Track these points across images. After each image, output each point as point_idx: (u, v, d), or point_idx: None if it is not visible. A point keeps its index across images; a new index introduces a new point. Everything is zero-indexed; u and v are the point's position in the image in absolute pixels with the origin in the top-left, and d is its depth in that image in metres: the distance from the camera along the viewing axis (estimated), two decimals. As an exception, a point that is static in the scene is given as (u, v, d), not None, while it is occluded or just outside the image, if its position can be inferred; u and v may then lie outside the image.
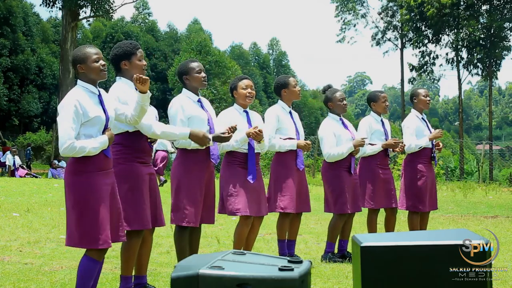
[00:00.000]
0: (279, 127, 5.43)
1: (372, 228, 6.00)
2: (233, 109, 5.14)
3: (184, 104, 4.55)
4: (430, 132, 6.09)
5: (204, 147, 4.47)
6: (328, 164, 5.72)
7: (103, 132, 3.62)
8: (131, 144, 4.02)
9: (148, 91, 3.82)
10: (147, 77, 3.78)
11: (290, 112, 5.54)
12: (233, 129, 4.61)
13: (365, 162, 5.99)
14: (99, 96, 3.66)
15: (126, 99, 3.96)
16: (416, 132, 6.03)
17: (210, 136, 4.41)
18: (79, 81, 3.66)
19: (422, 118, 6.15)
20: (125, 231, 3.80)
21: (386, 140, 5.98)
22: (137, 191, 3.97)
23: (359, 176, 6.00)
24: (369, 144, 5.96)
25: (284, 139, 5.42)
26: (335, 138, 5.66)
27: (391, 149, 5.97)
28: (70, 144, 3.44)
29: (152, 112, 4.19)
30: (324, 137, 5.68)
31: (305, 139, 5.56)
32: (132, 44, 4.13)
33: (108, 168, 3.65)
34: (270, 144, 5.35)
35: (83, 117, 3.52)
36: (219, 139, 4.52)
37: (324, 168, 5.78)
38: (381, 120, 6.07)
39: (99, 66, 3.63)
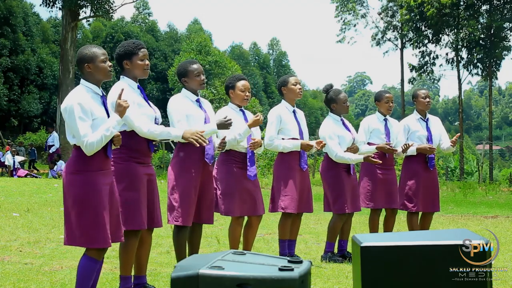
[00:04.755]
0: (282, 127, 5.41)
1: (373, 228, 6.00)
2: (228, 108, 5.13)
3: (181, 102, 4.57)
4: (428, 133, 6.08)
5: (199, 145, 4.31)
6: (327, 164, 5.71)
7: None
8: (128, 144, 4.00)
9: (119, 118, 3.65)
10: (125, 105, 3.65)
11: (294, 112, 5.54)
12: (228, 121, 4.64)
13: (365, 162, 5.98)
14: (102, 96, 3.66)
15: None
16: (410, 134, 6.04)
17: (204, 132, 4.35)
18: (82, 81, 3.65)
19: (421, 118, 6.14)
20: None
21: (387, 139, 5.97)
22: (133, 191, 3.96)
23: (359, 175, 6.01)
24: (368, 143, 5.96)
25: (287, 139, 5.41)
26: (338, 138, 5.66)
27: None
28: (86, 142, 3.45)
29: (149, 113, 4.14)
30: (328, 137, 5.67)
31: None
32: (136, 43, 4.14)
33: (107, 168, 3.65)
34: (273, 145, 5.34)
35: (90, 116, 3.51)
36: (223, 126, 4.52)
37: (323, 168, 5.77)
38: (385, 120, 6.06)
39: (107, 67, 3.64)
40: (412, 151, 5.96)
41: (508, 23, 29.31)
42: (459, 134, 6.32)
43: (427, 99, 6.10)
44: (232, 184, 4.90)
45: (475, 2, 28.91)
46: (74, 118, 3.47)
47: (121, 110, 3.61)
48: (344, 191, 5.60)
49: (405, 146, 5.78)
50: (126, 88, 4.02)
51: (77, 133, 3.46)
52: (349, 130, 5.77)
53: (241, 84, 5.09)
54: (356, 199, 5.76)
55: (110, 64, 3.67)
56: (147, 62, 4.13)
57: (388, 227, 6.08)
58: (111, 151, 3.67)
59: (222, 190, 4.91)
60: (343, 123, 5.79)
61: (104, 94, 3.70)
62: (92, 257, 3.55)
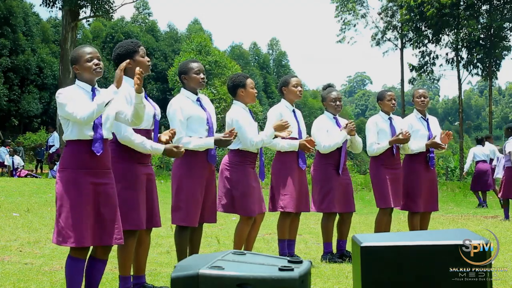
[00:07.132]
0: None
1: (380, 228, 5.95)
2: (239, 107, 5.06)
3: (182, 104, 4.53)
4: (429, 132, 6.08)
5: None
6: (317, 164, 5.71)
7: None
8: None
9: (142, 93, 3.75)
10: (141, 76, 3.71)
11: (293, 111, 5.54)
12: (234, 133, 4.63)
13: (373, 162, 5.97)
14: (93, 94, 3.66)
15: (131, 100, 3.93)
16: (413, 133, 6.03)
17: (200, 144, 4.44)
18: (76, 81, 3.70)
19: (421, 117, 6.15)
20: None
21: None
22: (132, 191, 3.96)
23: (371, 176, 5.99)
24: (377, 143, 5.91)
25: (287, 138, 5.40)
26: (327, 134, 5.65)
27: (400, 145, 5.91)
28: (77, 113, 3.46)
29: (147, 110, 4.11)
30: (316, 131, 5.68)
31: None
32: (133, 42, 4.15)
33: (95, 168, 3.58)
34: (271, 143, 5.34)
35: (76, 99, 3.53)
36: (221, 142, 4.53)
37: (313, 167, 5.78)
38: (389, 119, 6.05)
39: (92, 65, 3.63)
40: (421, 147, 5.95)
41: (508, 23, 29.28)
42: (450, 132, 6.17)
43: (421, 98, 6.11)
44: (250, 185, 4.91)
45: (475, 2, 28.89)
46: (61, 105, 3.49)
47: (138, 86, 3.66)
48: (331, 190, 5.59)
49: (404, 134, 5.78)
50: (126, 88, 4.02)
51: (67, 113, 3.47)
52: None
53: (250, 82, 5.11)
54: (349, 199, 5.72)
55: (96, 62, 3.64)
56: (147, 58, 4.15)
57: (387, 228, 6.07)
58: (101, 147, 3.58)
59: (242, 191, 4.88)
60: (336, 121, 5.78)
61: (95, 91, 3.68)
62: (74, 256, 3.54)
